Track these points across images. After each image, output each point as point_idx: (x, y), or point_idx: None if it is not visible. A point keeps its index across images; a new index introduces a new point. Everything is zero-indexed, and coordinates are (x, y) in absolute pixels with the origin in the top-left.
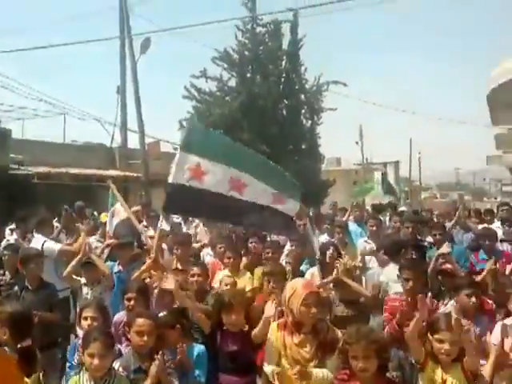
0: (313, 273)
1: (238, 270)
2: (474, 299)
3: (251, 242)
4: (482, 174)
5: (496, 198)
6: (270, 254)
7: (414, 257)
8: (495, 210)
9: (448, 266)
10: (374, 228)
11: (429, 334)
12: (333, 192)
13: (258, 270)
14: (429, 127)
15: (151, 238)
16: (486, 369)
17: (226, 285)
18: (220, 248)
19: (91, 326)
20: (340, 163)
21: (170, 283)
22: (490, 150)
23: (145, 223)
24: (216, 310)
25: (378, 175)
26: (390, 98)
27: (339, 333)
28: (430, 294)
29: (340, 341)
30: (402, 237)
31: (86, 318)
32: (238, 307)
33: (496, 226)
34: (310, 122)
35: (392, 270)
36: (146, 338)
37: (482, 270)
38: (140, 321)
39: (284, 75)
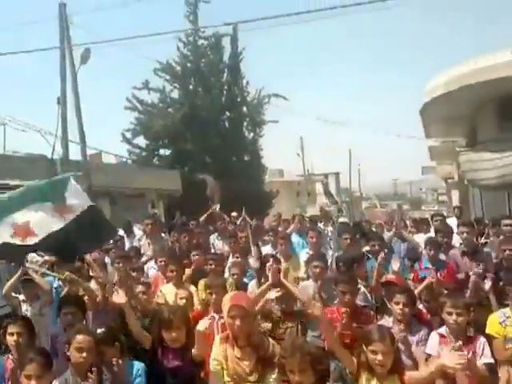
0: (253, 284)
1: (182, 283)
2: (402, 307)
3: (194, 255)
4: (418, 184)
5: (434, 207)
6: (213, 266)
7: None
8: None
9: (391, 276)
10: (314, 239)
11: (363, 346)
12: (276, 203)
13: (202, 283)
14: (367, 139)
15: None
16: (418, 375)
17: (181, 299)
18: (161, 262)
19: (17, 341)
20: (283, 175)
21: (120, 298)
22: (426, 161)
23: None
24: (156, 326)
25: (319, 186)
26: (330, 111)
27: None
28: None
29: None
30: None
31: (11, 334)
32: (178, 323)
33: (430, 236)
34: (252, 134)
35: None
36: (85, 354)
37: (425, 278)
38: (80, 337)
39: (226, 88)
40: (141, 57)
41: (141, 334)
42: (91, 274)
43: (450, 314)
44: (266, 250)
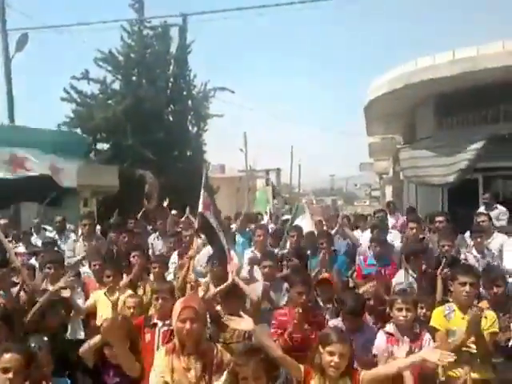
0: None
1: (117, 288)
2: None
3: (133, 256)
4: (354, 180)
5: (365, 202)
6: (156, 269)
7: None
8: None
9: (325, 275)
10: (261, 237)
11: (320, 347)
12: (218, 199)
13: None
14: (309, 136)
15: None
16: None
17: (129, 308)
18: (95, 265)
19: None
20: (224, 170)
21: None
22: (364, 158)
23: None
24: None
25: (260, 182)
26: (274, 107)
27: (228, 355)
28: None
29: (229, 363)
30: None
31: None
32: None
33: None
34: (195, 128)
35: None
36: (11, 375)
37: (369, 274)
38: (6, 357)
39: (171, 80)
40: (83, 46)
41: (85, 350)
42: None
43: (400, 310)
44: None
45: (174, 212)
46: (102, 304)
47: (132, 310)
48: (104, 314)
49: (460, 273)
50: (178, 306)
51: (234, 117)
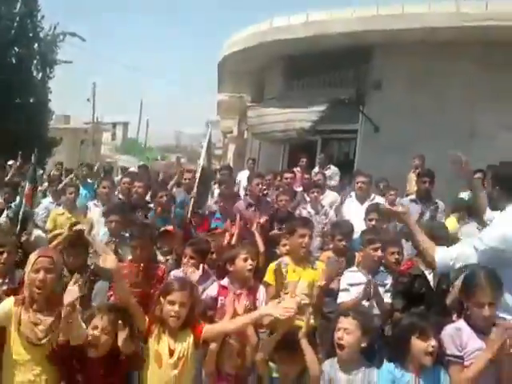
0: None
1: None
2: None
3: None
4: (201, 138)
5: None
6: None
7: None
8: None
9: (168, 227)
10: (106, 190)
11: (161, 298)
12: (59, 151)
13: None
14: (159, 91)
15: None
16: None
17: None
18: None
19: None
20: (69, 121)
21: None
22: (212, 116)
23: None
24: None
25: (107, 135)
26: (126, 58)
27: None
28: None
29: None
30: None
31: None
32: None
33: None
34: (41, 74)
35: None
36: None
37: (216, 228)
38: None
39: (18, 19)
40: None
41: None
42: None
43: (245, 260)
44: (48, 201)
45: (10, 162)
46: None
47: None
48: None
49: (299, 225)
50: (32, 256)
51: (84, 66)
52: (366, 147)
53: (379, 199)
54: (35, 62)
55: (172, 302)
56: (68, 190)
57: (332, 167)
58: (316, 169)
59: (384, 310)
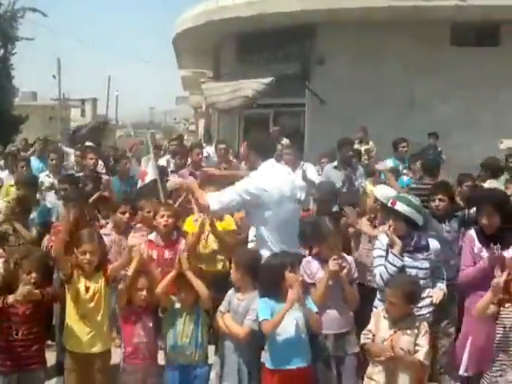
0: None
1: None
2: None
3: None
4: (173, 114)
5: (184, 136)
6: None
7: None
8: None
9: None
10: (54, 162)
11: (75, 249)
12: (28, 128)
13: None
14: (127, 67)
15: None
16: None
17: None
18: None
19: None
20: (36, 98)
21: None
22: (181, 92)
23: None
24: None
25: (75, 112)
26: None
27: None
28: None
29: None
30: None
31: None
32: None
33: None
34: (2, 50)
35: None
36: None
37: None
38: None
39: None
40: None
41: None
42: None
43: (161, 216)
44: (4, 174)
45: None
46: None
47: None
48: None
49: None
50: None
51: (47, 41)
52: (314, 120)
53: (309, 166)
54: None
55: (84, 252)
56: (19, 164)
57: (285, 139)
58: None
59: None
